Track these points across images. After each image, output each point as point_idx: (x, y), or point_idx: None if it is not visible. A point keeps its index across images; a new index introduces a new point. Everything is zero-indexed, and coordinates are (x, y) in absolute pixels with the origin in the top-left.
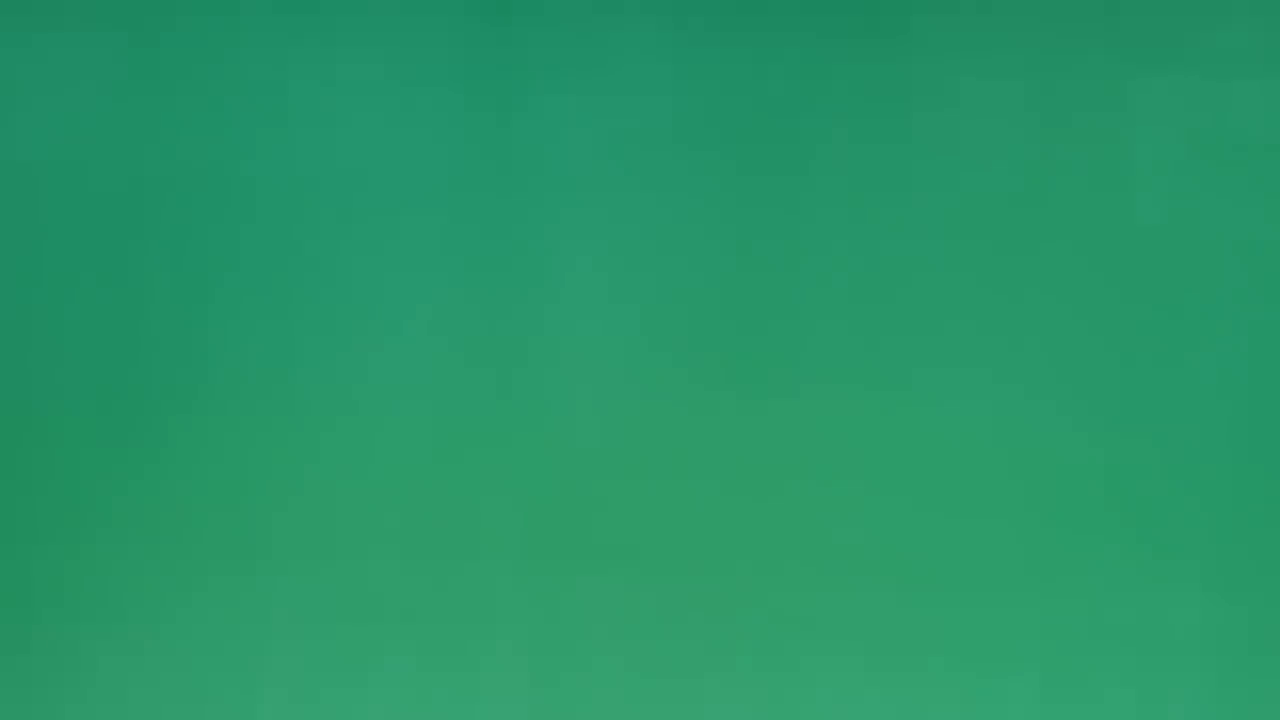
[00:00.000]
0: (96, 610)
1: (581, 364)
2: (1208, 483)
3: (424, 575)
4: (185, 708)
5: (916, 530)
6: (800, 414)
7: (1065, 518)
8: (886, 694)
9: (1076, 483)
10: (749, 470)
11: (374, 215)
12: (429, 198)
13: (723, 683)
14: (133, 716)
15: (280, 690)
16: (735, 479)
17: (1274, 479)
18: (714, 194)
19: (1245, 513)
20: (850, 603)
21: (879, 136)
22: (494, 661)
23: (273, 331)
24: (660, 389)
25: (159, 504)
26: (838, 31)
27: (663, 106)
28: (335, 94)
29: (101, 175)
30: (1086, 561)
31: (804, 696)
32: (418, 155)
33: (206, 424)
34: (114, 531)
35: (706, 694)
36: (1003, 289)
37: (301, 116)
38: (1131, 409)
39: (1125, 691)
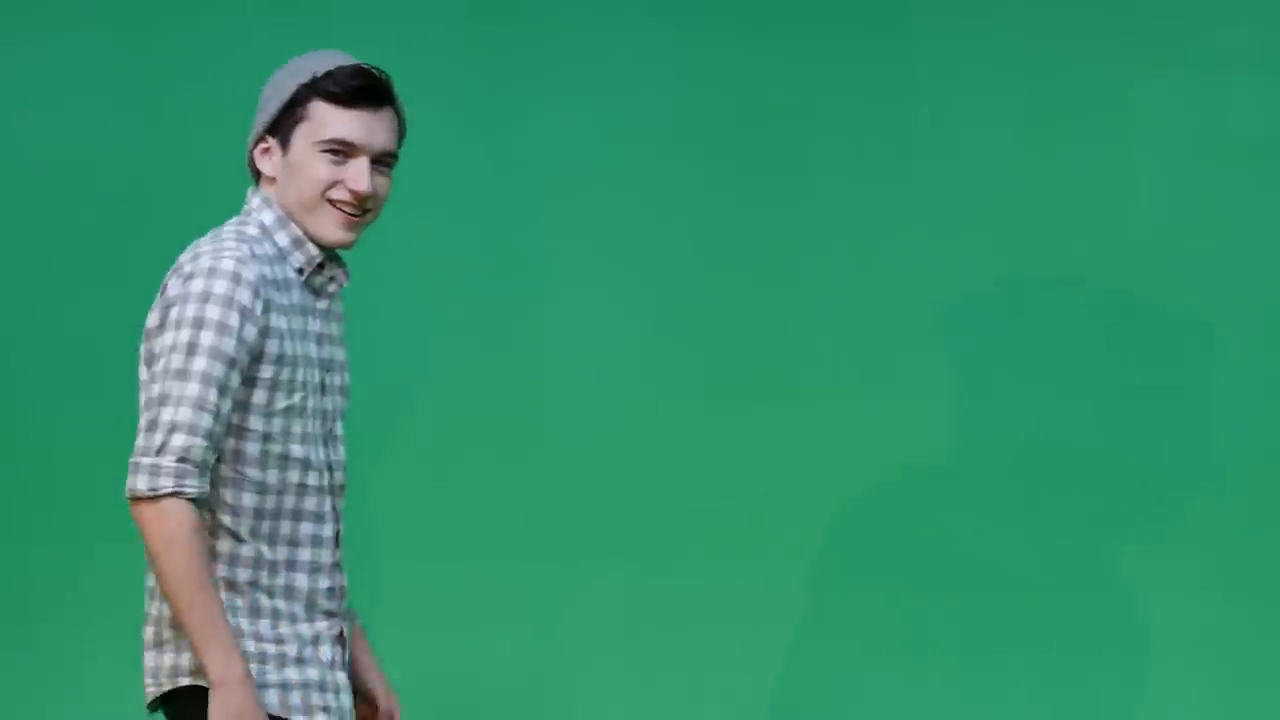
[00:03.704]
0: (96, 610)
1: (581, 363)
2: (1208, 482)
3: (424, 575)
4: None
5: (916, 530)
6: (799, 412)
7: (1066, 518)
8: (887, 693)
9: (1077, 483)
10: (747, 468)
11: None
12: (429, 198)
13: (722, 681)
14: (133, 716)
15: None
16: (733, 477)
17: (1274, 479)
18: (713, 194)
19: (1245, 513)
20: (850, 602)
21: (879, 136)
22: (494, 659)
23: None
24: (659, 387)
25: None
26: (838, 31)
27: (663, 106)
28: None
29: (101, 175)
30: (1086, 561)
31: (804, 695)
32: (418, 155)
33: None
34: (114, 531)
35: (707, 692)
36: (1003, 289)
37: None
38: (1132, 408)
39: (1125, 691)
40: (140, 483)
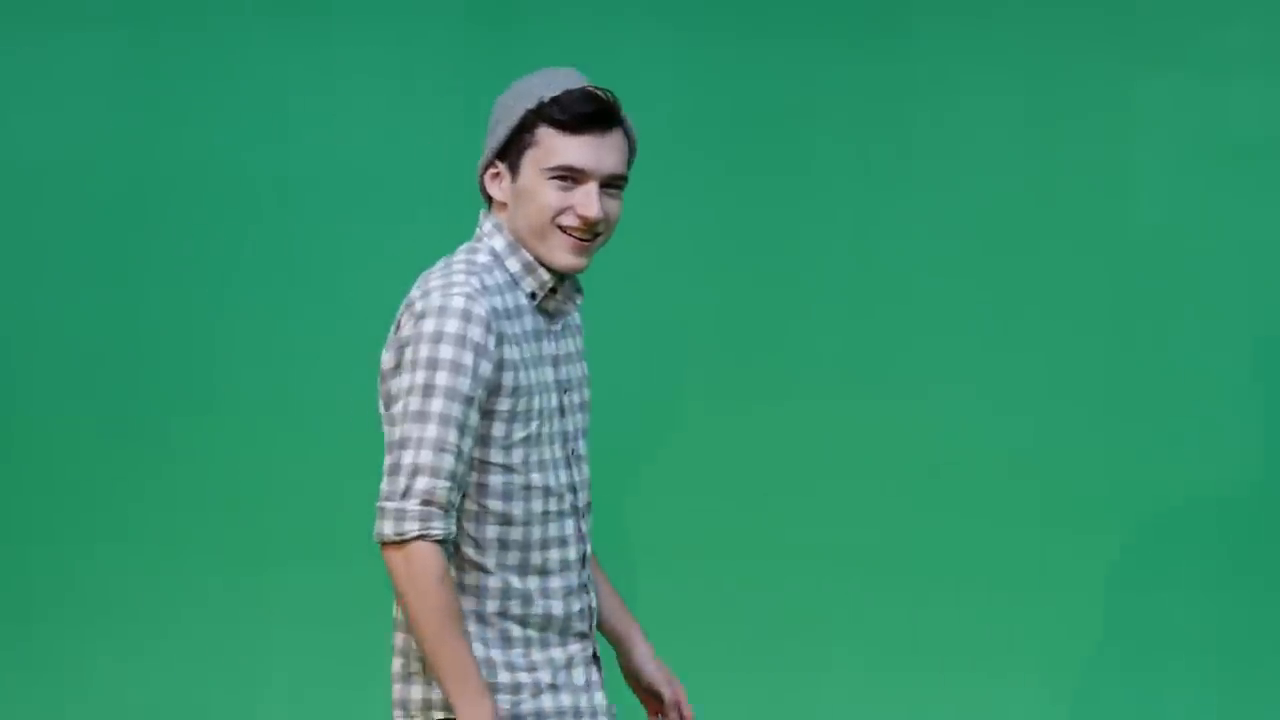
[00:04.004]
0: (96, 610)
1: None
2: (1208, 483)
3: None
4: (185, 707)
5: (917, 530)
6: (799, 412)
7: (1065, 518)
8: (887, 692)
9: (1077, 483)
10: (747, 468)
11: (374, 215)
12: (429, 198)
13: (722, 681)
14: (133, 716)
15: (280, 690)
16: (733, 477)
17: (1274, 479)
18: (713, 194)
19: (1245, 513)
20: (851, 602)
21: (879, 136)
22: None
23: (273, 331)
24: (660, 387)
25: (160, 504)
26: (838, 31)
27: (663, 106)
28: (335, 94)
29: (101, 175)
30: (1086, 561)
31: (804, 694)
32: (418, 155)
33: (207, 424)
34: (114, 531)
35: (707, 692)
36: (1003, 289)
37: (301, 116)
38: (1131, 408)
39: (1125, 691)
40: (387, 528)
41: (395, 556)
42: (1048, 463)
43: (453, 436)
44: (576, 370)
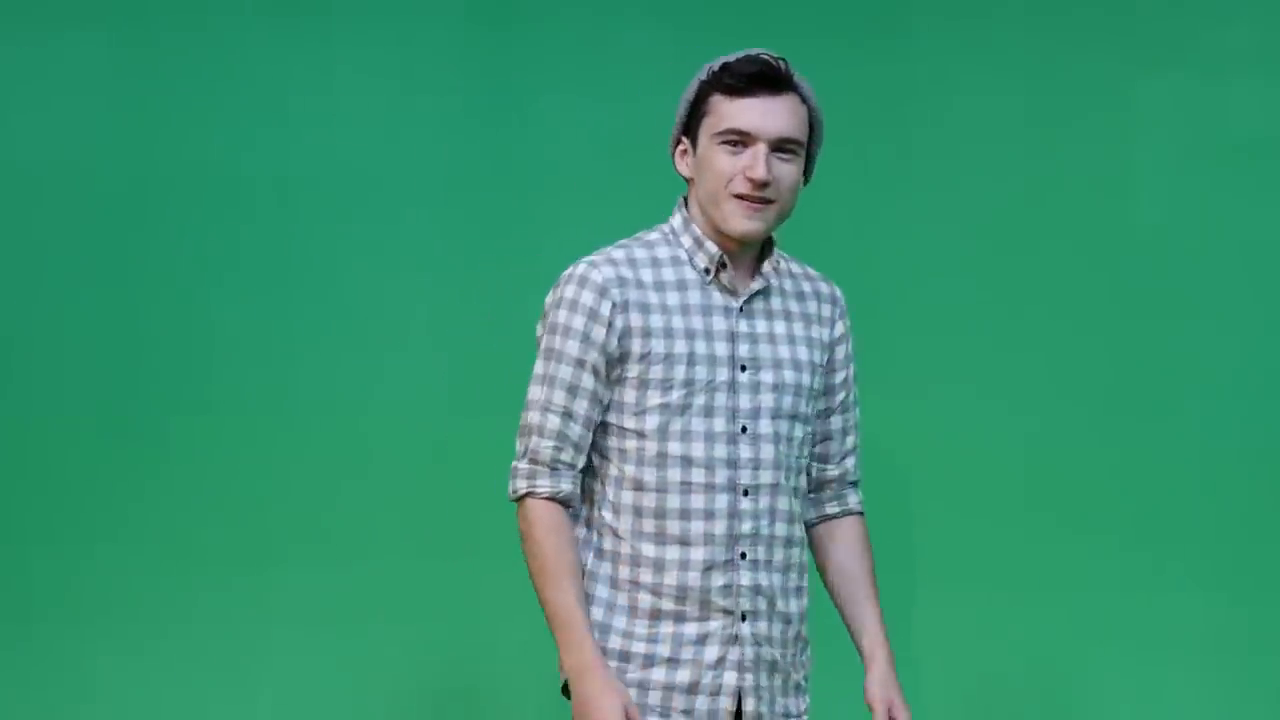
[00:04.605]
0: (96, 610)
1: None
2: (1208, 483)
3: (424, 575)
4: (185, 708)
5: (917, 530)
6: None
7: (1066, 518)
8: None
9: (1078, 483)
10: None
11: (374, 215)
12: (429, 198)
13: None
14: (133, 716)
15: (280, 690)
16: None
17: (1274, 479)
18: None
19: (1245, 513)
20: None
21: (879, 136)
22: (495, 659)
23: (273, 331)
24: None
25: (160, 504)
26: (838, 31)
27: (663, 106)
28: (335, 94)
29: (101, 175)
30: (1086, 561)
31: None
32: (418, 155)
33: (207, 424)
34: (114, 531)
35: None
36: (1003, 289)
37: (301, 116)
38: (1132, 408)
39: (1125, 691)
40: (509, 488)
41: (518, 514)
42: (1048, 463)
43: (558, 398)
44: (781, 351)
